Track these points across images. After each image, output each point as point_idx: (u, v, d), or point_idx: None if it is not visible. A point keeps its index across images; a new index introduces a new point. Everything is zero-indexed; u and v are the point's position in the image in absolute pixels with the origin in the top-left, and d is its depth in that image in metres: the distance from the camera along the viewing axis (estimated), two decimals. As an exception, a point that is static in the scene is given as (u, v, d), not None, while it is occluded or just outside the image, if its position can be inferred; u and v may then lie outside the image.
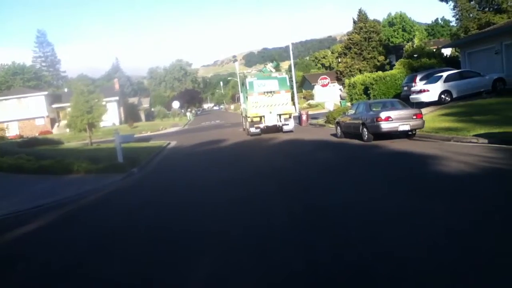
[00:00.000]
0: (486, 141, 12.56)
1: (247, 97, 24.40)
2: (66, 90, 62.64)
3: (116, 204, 9.92)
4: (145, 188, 11.86)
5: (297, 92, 41.84)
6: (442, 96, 22.57)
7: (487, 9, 41.06)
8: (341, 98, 35.45)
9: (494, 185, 7.74)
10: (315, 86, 57.04)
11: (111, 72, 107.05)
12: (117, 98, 60.19)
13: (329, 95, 44.27)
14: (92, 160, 15.72)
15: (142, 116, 69.94)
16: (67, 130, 28.53)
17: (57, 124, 57.52)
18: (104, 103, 27.67)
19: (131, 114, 62.58)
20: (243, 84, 28.65)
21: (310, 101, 60.96)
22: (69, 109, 28.11)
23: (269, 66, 24.42)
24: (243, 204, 8.18)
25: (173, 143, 25.70)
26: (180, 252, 5.72)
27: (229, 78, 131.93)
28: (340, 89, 47.04)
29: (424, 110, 18.64)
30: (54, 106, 58.56)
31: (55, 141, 30.87)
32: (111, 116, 47.66)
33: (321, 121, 28.93)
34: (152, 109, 78.54)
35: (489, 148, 11.55)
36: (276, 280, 4.48)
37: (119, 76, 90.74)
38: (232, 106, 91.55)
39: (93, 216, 8.78)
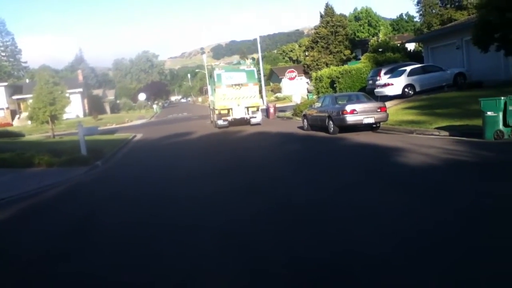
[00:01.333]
0: (447, 133, 12.97)
1: (215, 90, 24.26)
2: (27, 81, 60.64)
3: (79, 198, 9.66)
4: (109, 181, 11.63)
5: (265, 85, 41.89)
6: (406, 89, 23.10)
7: (449, 5, 42.23)
8: (308, 92, 35.74)
9: (454, 175, 8.00)
10: (282, 79, 57.31)
11: (74, 63, 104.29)
12: (81, 89, 58.64)
13: (296, 88, 44.50)
14: (55, 153, 15.30)
15: (107, 108, 68.42)
16: (29, 122, 27.66)
17: (17, 116, 55.56)
18: (67, 94, 26.92)
19: (95, 106, 61.13)
20: (211, 76, 28.46)
21: (278, 94, 61.23)
22: (30, 101, 27.24)
23: (248, 62, 24.41)
24: (209, 199, 8.14)
25: (139, 136, 25.31)
26: (142, 249, 5.64)
27: (196, 70, 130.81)
28: (307, 83, 47.41)
29: (388, 104, 19.05)
30: (15, 97, 56.48)
31: (15, 133, 29.84)
32: (74, 108, 46.44)
33: (288, 114, 29.11)
34: (118, 101, 76.93)
35: (450, 141, 11.92)
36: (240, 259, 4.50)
37: (83, 68, 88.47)
38: (200, 99, 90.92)
39: (53, 212, 8.51)
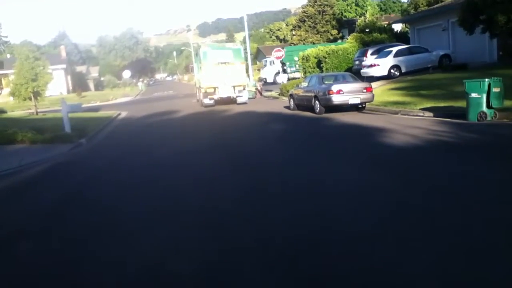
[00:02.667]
0: (431, 114, 13.11)
1: (201, 68, 24.03)
2: (8, 56, 59.19)
3: (63, 177, 9.59)
4: (93, 159, 11.55)
5: (252, 64, 41.60)
6: (392, 70, 23.19)
7: (436, -14, 42.04)
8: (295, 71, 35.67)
9: (437, 156, 8.13)
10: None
11: (57, 39, 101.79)
12: (64, 66, 57.54)
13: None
14: (38, 130, 15.09)
15: (91, 85, 67.40)
16: (11, 98, 27.10)
17: (-1, 92, 54.49)
18: (50, 70, 26.42)
19: (79, 83, 60.12)
20: (197, 54, 28.14)
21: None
22: (12, 77, 26.67)
23: (238, 42, 24.60)
24: (195, 177, 8.15)
25: (124, 114, 25.05)
26: (120, 230, 5.65)
27: (182, 48, 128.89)
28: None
29: (374, 84, 19.10)
30: (-5, 73, 55.27)
31: (-3, 110, 29.28)
32: (58, 85, 45.57)
33: (274, 93, 29.03)
34: (102, 79, 75.75)
35: (434, 121, 12.05)
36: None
37: (66, 44, 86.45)
38: (186, 77, 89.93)
39: (34, 191, 8.42)
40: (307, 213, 5.44)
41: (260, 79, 41.88)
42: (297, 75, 37.03)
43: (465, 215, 4.92)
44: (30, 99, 25.30)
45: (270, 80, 41.75)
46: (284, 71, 39.98)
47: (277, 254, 4.29)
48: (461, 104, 12.36)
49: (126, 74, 71.71)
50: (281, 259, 4.17)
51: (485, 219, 4.75)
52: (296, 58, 39.07)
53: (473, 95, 11.46)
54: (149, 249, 4.71)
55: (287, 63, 40.20)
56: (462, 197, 5.57)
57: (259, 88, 29.81)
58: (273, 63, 40.90)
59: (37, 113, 25.62)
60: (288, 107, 19.56)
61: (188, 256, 4.45)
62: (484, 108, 11.38)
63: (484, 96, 11.32)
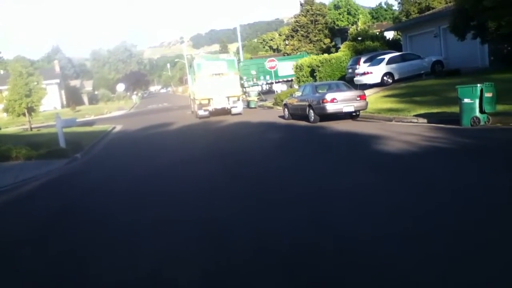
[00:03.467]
0: (425, 120, 13.17)
1: (195, 79, 24.08)
2: (1, 72, 59.14)
3: (57, 192, 9.54)
4: (89, 174, 11.50)
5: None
6: (385, 78, 23.32)
7: (426, -7, 42.53)
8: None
9: (432, 161, 8.17)
10: (263, 69, 57.09)
11: (51, 53, 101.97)
12: (58, 80, 57.49)
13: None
14: (32, 146, 15.03)
15: (85, 99, 67.32)
16: (5, 114, 27.07)
17: (-8, 108, 54.28)
18: (44, 86, 26.41)
19: (73, 98, 60.12)
20: (191, 66, 28.22)
21: (259, 84, 61.03)
22: (6, 93, 26.64)
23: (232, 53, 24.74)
24: (194, 190, 8.14)
25: (118, 127, 25.02)
26: (119, 247, 5.62)
27: (176, 60, 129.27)
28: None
29: (367, 92, 19.19)
30: (-11, 89, 55.11)
31: (-10, 126, 29.21)
32: (52, 99, 45.55)
33: (269, 103, 29.11)
34: (96, 92, 75.70)
35: (428, 128, 12.12)
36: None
37: (60, 58, 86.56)
38: (180, 89, 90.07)
39: (30, 207, 8.38)
40: (305, 220, 5.43)
41: None
42: (255, 89, 36.68)
43: (461, 217, 4.93)
44: (24, 114, 25.28)
45: None
46: (241, 85, 39.43)
47: (277, 262, 4.28)
48: (455, 109, 12.43)
49: (120, 87, 71.70)
50: (281, 267, 4.15)
51: (475, 219, 4.77)
52: (253, 72, 38.88)
53: (466, 100, 11.53)
54: (146, 259, 4.68)
55: (244, 77, 39.07)
56: (458, 200, 5.59)
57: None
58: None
59: (31, 128, 25.56)
60: (282, 117, 19.60)
61: (186, 266, 4.43)
62: (477, 113, 11.45)
63: (477, 101, 11.40)
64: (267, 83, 39.97)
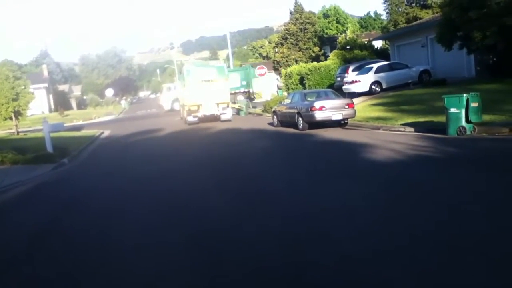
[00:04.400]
0: (412, 129, 13.33)
1: (184, 85, 24.04)
2: (-12, 76, 58.45)
3: (44, 197, 9.45)
4: (75, 179, 11.41)
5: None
6: (373, 86, 23.57)
7: (414, 4, 43.19)
8: (278, 88, 35.95)
9: (419, 169, 8.26)
10: (252, 76, 57.33)
11: (39, 58, 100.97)
12: (46, 85, 57.13)
13: (266, 85, 44.68)
14: (19, 150, 14.87)
15: (74, 104, 66.92)
16: (-10, 118, 26.73)
17: (-22, 112, 53.63)
18: (31, 90, 26.18)
19: (61, 102, 59.73)
20: (180, 72, 28.19)
21: (248, 90, 61.16)
22: (-8, 97, 26.32)
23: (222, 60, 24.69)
24: (181, 198, 8.11)
25: (106, 133, 24.84)
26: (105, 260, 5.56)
27: (166, 66, 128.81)
28: (277, 79, 47.64)
29: (356, 100, 19.38)
30: (-25, 93, 54.46)
31: (-24, 130, 28.81)
32: (39, 104, 45.24)
33: (258, 110, 29.18)
34: (84, 97, 75.30)
35: (415, 136, 12.25)
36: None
37: (48, 62, 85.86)
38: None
39: (13, 214, 8.30)
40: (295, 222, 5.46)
41: (158, 106, 40.51)
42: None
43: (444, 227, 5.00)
44: (11, 118, 24.99)
45: (167, 107, 40.00)
46: None
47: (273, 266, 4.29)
48: (441, 119, 12.59)
49: (109, 92, 71.24)
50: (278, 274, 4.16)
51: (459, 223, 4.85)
52: None
53: (452, 110, 11.69)
54: (138, 270, 4.66)
55: None
56: (448, 205, 5.66)
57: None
58: (170, 89, 40.41)
59: (18, 133, 25.27)
60: (271, 124, 19.65)
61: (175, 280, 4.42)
62: (463, 123, 11.60)
63: (463, 111, 11.56)
64: None
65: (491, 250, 4.31)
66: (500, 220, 5.11)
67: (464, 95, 11.57)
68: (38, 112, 45.89)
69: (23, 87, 25.03)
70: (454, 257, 4.22)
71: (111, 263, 4.94)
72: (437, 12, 32.21)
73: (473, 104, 11.54)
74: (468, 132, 11.56)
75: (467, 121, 11.59)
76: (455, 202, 5.99)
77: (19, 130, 25.88)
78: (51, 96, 59.60)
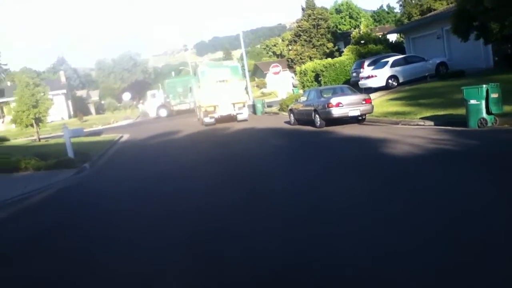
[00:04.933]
0: (432, 123, 13.17)
1: (199, 87, 24.20)
2: (9, 83, 59.61)
3: (66, 202, 9.61)
4: (97, 184, 11.59)
5: (250, 81, 41.84)
6: (389, 81, 23.34)
7: (428, -5, 42.49)
8: (293, 86, 35.84)
9: (440, 164, 8.17)
10: (267, 74, 57.30)
11: (56, 64, 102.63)
12: (64, 91, 57.95)
13: (281, 83, 44.63)
14: (41, 156, 15.14)
15: (92, 109, 67.77)
16: (13, 126, 27.28)
17: (1, 120, 54.72)
18: (50, 96, 26.60)
19: (80, 108, 60.59)
20: (195, 73, 28.34)
21: (264, 90, 61.21)
22: (13, 104, 26.88)
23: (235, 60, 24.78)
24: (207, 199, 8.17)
25: (126, 136, 25.13)
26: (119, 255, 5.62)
27: (180, 68, 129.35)
28: (292, 77, 47.54)
29: (372, 95, 19.23)
30: (-3, 101, 55.55)
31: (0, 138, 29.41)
32: (59, 110, 45.95)
33: (274, 109, 29.19)
34: (102, 102, 76.15)
35: (435, 130, 12.11)
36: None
37: (65, 69, 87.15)
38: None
39: (40, 216, 8.45)
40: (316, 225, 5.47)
41: (143, 113, 40.17)
42: (183, 107, 36.39)
43: (472, 221, 4.95)
44: (32, 125, 25.46)
45: (152, 114, 39.84)
46: (168, 103, 39.04)
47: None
48: (461, 111, 12.41)
49: (126, 96, 71.96)
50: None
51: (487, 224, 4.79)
52: (180, 90, 38.20)
53: (472, 102, 11.52)
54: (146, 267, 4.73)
55: (171, 95, 39.01)
56: (471, 205, 5.60)
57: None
58: (154, 96, 40.15)
59: (39, 139, 25.74)
60: (288, 122, 19.64)
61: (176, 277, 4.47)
62: (484, 115, 11.43)
63: (483, 102, 11.38)
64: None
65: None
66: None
67: (484, 86, 11.37)
68: (58, 118, 46.62)
69: (43, 93, 25.46)
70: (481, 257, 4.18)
71: (126, 265, 5.02)
72: (451, 3, 31.67)
73: (493, 95, 11.36)
74: (489, 124, 11.38)
75: (488, 112, 11.41)
76: (482, 199, 5.91)
77: (40, 136, 26.35)
78: (69, 102, 60.49)
